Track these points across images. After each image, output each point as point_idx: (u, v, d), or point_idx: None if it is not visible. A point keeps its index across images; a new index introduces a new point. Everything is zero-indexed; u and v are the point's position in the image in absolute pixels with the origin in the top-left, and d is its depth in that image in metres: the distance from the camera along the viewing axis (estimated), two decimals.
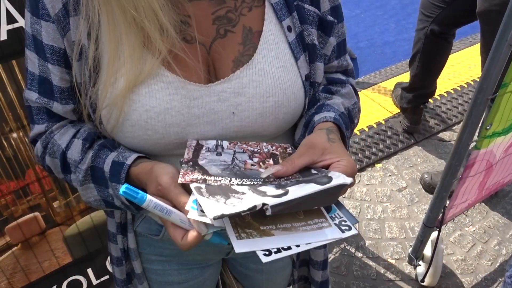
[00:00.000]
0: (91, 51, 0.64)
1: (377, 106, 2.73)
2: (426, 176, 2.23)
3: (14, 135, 1.13)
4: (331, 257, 1.94)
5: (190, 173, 0.59)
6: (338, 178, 0.56)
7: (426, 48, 2.24)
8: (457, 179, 1.56)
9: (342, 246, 1.98)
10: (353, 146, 2.44)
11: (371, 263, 1.93)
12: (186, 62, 0.65)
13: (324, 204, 0.59)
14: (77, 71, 0.66)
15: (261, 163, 0.64)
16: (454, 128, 2.62)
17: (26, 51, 0.69)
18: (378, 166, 2.37)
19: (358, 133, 2.53)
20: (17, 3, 1.04)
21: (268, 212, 0.51)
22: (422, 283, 1.82)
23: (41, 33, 0.65)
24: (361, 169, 2.33)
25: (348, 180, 0.56)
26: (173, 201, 0.57)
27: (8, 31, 1.04)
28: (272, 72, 0.68)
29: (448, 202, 1.63)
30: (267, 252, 0.52)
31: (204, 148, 0.65)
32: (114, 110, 0.65)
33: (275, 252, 0.52)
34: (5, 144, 1.12)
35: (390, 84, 2.88)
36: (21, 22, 1.06)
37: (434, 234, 1.76)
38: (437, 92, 2.81)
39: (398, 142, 2.49)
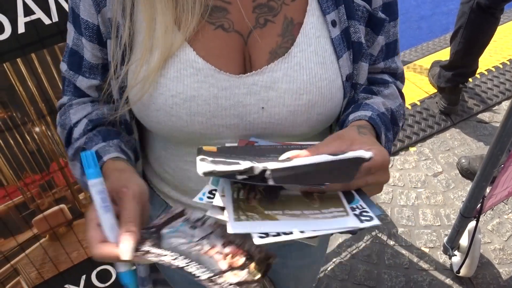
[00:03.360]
0: (126, 28, 0.63)
1: (412, 86, 2.60)
2: (463, 160, 2.12)
3: (37, 129, 1.12)
4: (361, 244, 1.89)
5: (140, 242, 0.51)
6: (355, 152, 0.49)
7: (470, 23, 2.10)
8: (499, 168, 1.47)
9: (373, 233, 1.93)
10: None
11: (403, 251, 1.87)
12: (220, 50, 0.62)
13: (338, 181, 0.52)
14: (109, 49, 0.66)
15: (228, 256, 0.52)
16: (494, 108, 2.48)
17: (67, 24, 0.71)
18: (412, 149, 2.27)
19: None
20: None
21: (271, 180, 0.46)
22: (458, 274, 1.75)
23: (79, 6, 0.66)
24: (394, 153, 2.25)
25: (367, 154, 0.49)
26: (123, 209, 0.52)
27: (26, 24, 1.02)
28: (309, 67, 0.63)
29: (487, 191, 1.54)
30: (264, 235, 0.46)
31: (183, 218, 0.58)
32: (143, 90, 0.63)
33: (273, 236, 0.46)
34: (28, 138, 1.11)
35: (426, 62, 2.74)
36: (38, 13, 1.03)
37: (471, 224, 1.68)
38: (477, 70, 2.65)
39: (434, 124, 2.37)
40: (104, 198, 0.51)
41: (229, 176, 0.49)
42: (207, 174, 0.47)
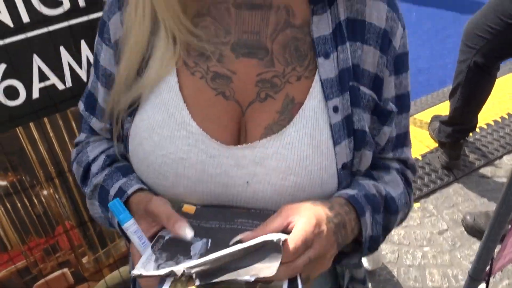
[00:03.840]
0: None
1: (413, 140, 2.60)
2: (468, 217, 2.11)
3: (45, 192, 1.11)
4: None
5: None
6: (265, 237, 0.52)
7: (468, 81, 2.14)
8: (507, 228, 1.45)
9: None
10: None
11: None
12: (216, 117, 0.63)
13: (264, 272, 0.50)
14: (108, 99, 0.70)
15: None
16: (495, 163, 2.48)
17: (91, 68, 0.76)
18: (416, 205, 2.26)
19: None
20: (49, 60, 1.03)
21: (197, 281, 0.49)
22: None
23: (100, 53, 0.70)
24: None
25: (275, 237, 0.52)
26: (159, 215, 0.58)
27: (40, 89, 1.03)
28: (301, 149, 0.62)
29: (496, 251, 1.52)
30: None
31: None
32: (139, 146, 0.66)
33: None
34: (35, 201, 1.10)
35: (426, 116, 2.77)
36: (52, 79, 1.05)
37: (481, 286, 1.63)
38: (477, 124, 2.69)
39: (437, 180, 2.37)
40: (140, 236, 0.58)
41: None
42: (136, 277, 0.52)
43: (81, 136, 0.78)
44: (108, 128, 0.74)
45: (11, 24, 0.94)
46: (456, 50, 3.59)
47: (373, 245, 0.67)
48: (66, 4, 1.02)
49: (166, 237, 0.58)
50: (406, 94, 0.71)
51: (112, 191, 0.67)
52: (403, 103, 0.71)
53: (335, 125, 0.63)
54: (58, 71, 1.06)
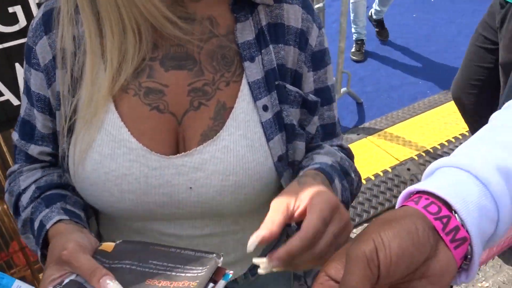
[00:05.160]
0: (72, 104, 0.66)
1: (383, 153, 2.67)
2: None
3: None
4: None
5: None
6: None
7: None
8: None
9: None
10: (359, 196, 2.38)
11: None
12: (153, 131, 0.65)
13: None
14: (57, 121, 0.69)
15: None
16: None
17: (21, 95, 0.74)
18: None
19: (364, 182, 2.47)
20: (4, 76, 1.05)
21: None
22: None
23: (30, 80, 0.70)
24: (370, 219, 2.26)
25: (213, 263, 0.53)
26: (79, 267, 0.53)
27: None
28: (236, 150, 0.66)
29: None
30: None
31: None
32: (77, 163, 0.66)
33: None
34: None
35: (396, 129, 2.83)
36: (7, 95, 1.06)
37: None
38: (430, 145, 2.72)
39: None
40: None
41: None
42: None
43: (15, 167, 0.77)
44: (48, 151, 0.73)
45: None
46: (427, 68, 3.68)
47: None
48: (22, 22, 1.05)
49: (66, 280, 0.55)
50: (326, 87, 0.75)
51: (36, 225, 0.66)
52: (324, 96, 0.75)
53: (266, 122, 0.67)
54: (13, 87, 1.08)
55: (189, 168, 0.65)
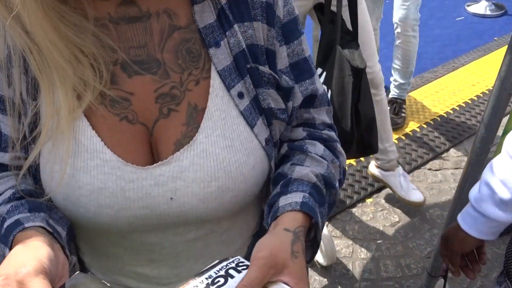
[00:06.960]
0: (31, 107, 0.60)
1: None
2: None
3: None
4: None
5: None
6: None
7: None
8: None
9: None
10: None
11: None
12: (126, 142, 0.60)
13: None
14: (15, 126, 0.62)
15: None
16: (443, 156, 2.58)
17: None
18: (368, 201, 2.31)
19: (346, 168, 2.48)
20: None
21: None
22: None
23: None
24: (352, 205, 2.27)
25: None
26: None
27: None
28: (215, 153, 0.61)
29: None
30: None
31: None
32: (50, 181, 0.60)
33: None
34: None
35: None
36: None
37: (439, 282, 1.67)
38: (423, 120, 2.79)
39: None
40: None
41: None
42: None
43: None
44: (21, 155, 0.64)
45: None
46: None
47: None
48: None
49: None
50: (302, 60, 0.70)
51: (8, 223, 0.58)
52: (302, 68, 0.70)
53: (245, 109, 0.64)
54: None
55: (167, 178, 0.61)
